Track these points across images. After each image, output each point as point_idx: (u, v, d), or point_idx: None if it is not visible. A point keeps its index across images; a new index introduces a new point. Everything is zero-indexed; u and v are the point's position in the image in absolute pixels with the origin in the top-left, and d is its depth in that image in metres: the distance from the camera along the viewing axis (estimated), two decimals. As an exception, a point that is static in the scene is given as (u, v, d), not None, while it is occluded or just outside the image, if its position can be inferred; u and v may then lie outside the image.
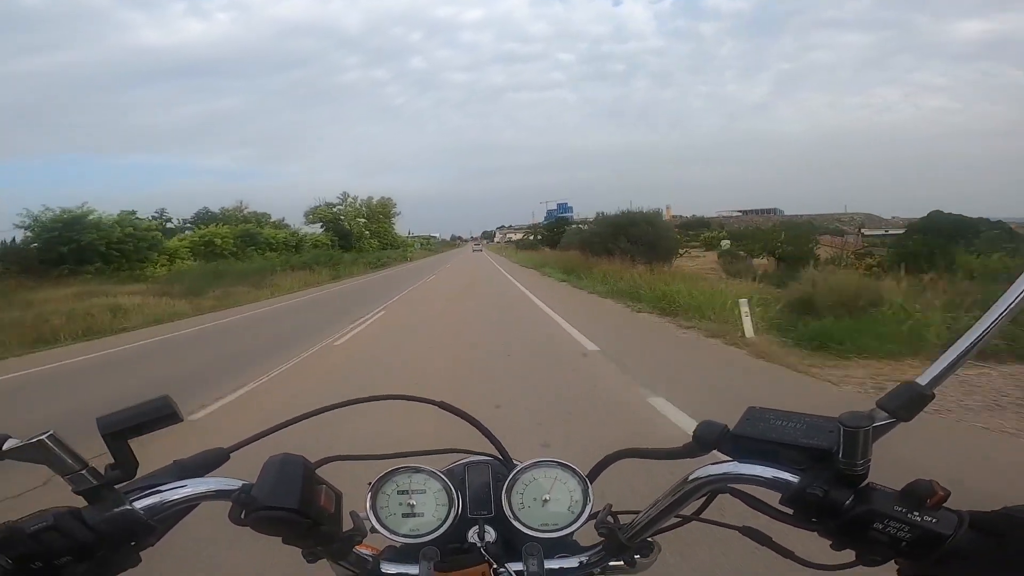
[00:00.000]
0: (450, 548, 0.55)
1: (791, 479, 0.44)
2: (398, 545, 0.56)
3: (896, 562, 0.42)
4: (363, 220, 65.58)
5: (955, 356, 0.42)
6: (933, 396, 0.42)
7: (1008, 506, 0.40)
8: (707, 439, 0.48)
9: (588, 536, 0.57)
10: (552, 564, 0.54)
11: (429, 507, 0.56)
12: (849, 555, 0.44)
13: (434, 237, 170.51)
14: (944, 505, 0.41)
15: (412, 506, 0.56)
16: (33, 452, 0.43)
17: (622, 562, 0.56)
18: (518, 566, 0.52)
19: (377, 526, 0.55)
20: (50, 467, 0.44)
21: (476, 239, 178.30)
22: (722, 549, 2.01)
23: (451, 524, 0.55)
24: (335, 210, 61.18)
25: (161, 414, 0.46)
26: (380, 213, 70.37)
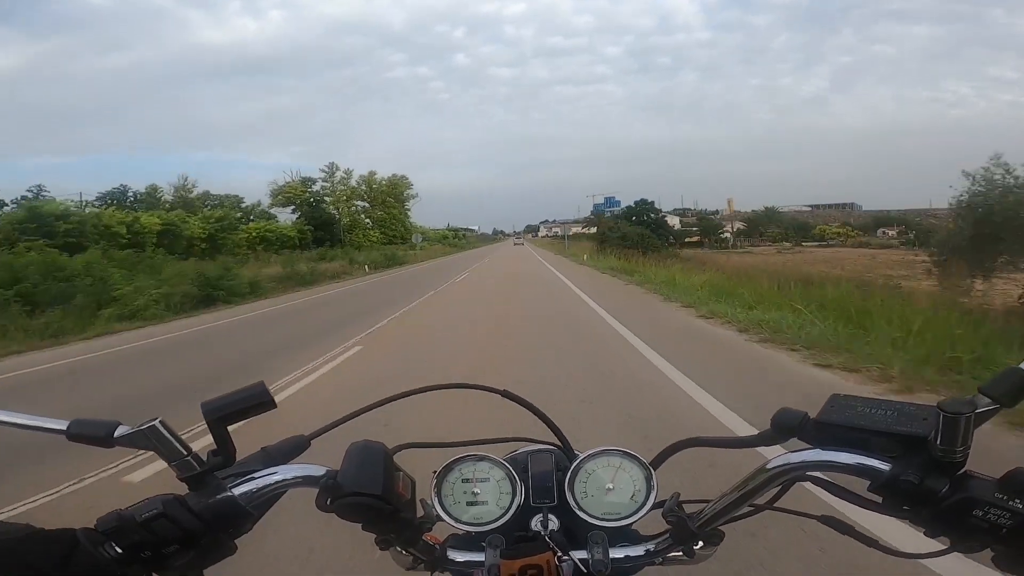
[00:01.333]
0: (514, 536, 0.55)
1: (881, 466, 0.42)
2: (461, 533, 0.57)
3: (992, 548, 0.41)
4: (363, 204, 53.57)
5: None
6: None
7: None
8: (786, 426, 0.47)
9: (649, 525, 0.57)
10: (616, 553, 0.54)
11: (492, 495, 0.57)
12: (940, 542, 0.43)
13: (471, 230, 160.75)
14: None
15: (476, 494, 0.57)
16: (143, 439, 0.45)
17: (681, 552, 0.55)
18: (582, 554, 0.52)
19: (442, 513, 0.56)
20: (158, 453, 0.45)
21: (518, 233, 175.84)
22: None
23: (514, 512, 0.56)
24: (315, 189, 48.12)
25: (259, 400, 0.47)
26: (388, 195, 55.19)
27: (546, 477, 0.58)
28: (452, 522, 0.56)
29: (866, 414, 0.44)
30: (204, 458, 0.47)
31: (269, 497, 0.49)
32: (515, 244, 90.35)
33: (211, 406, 0.47)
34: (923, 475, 0.40)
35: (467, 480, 0.57)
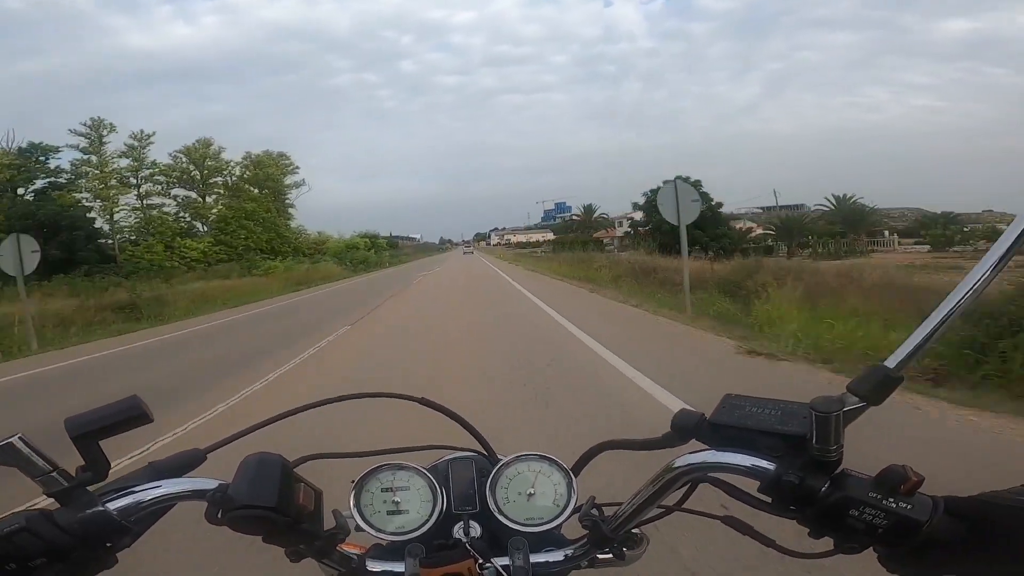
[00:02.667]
0: (436, 544, 0.55)
1: (768, 467, 0.44)
2: (384, 543, 0.56)
3: (874, 549, 0.42)
4: (183, 195, 34.02)
5: (921, 338, 0.41)
6: (902, 379, 0.42)
7: (984, 491, 0.40)
8: (685, 427, 0.48)
9: (575, 529, 0.57)
10: (538, 558, 0.54)
11: (414, 504, 0.56)
12: (828, 543, 0.44)
13: (410, 238, 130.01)
14: (919, 491, 0.41)
15: (397, 503, 0.56)
16: (2, 456, 0.43)
17: (611, 554, 0.56)
18: (504, 560, 0.52)
19: (362, 523, 0.55)
20: (19, 470, 0.43)
21: (467, 242, 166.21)
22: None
23: (436, 520, 0.55)
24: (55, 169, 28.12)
25: (131, 415, 0.46)
26: (251, 181, 36.75)
27: (468, 484, 0.58)
28: (372, 532, 0.55)
29: (753, 414, 0.46)
30: (74, 474, 0.46)
31: (153, 511, 0.47)
32: (464, 253, 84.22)
33: (76, 422, 0.45)
34: (803, 474, 0.42)
35: (387, 489, 0.56)
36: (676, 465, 0.48)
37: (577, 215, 71.05)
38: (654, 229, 29.66)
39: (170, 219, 33.58)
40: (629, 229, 42.88)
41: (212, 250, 32.96)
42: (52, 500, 0.45)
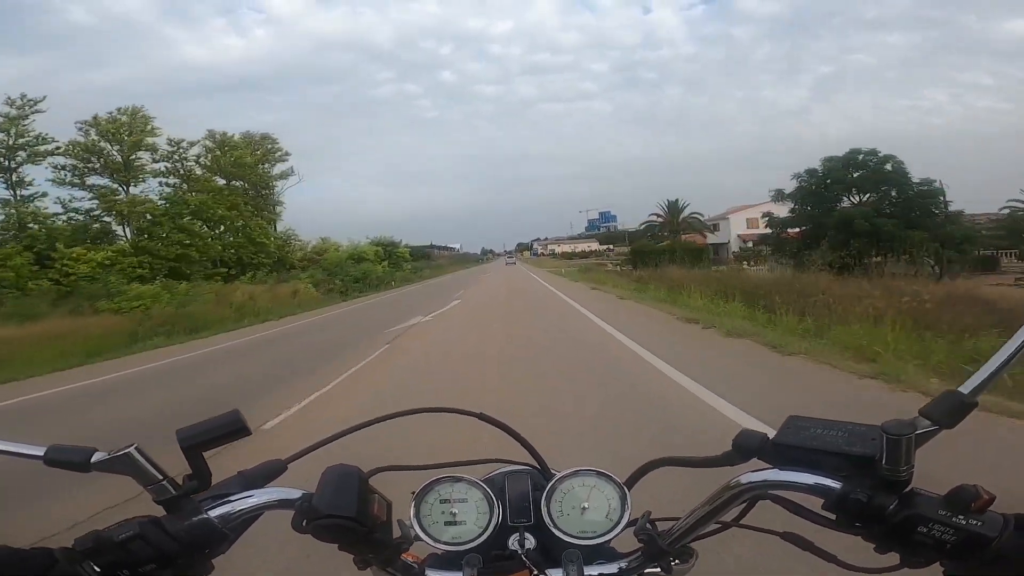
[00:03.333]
0: (492, 555, 0.56)
1: (833, 485, 0.44)
2: (440, 552, 0.58)
3: (941, 564, 0.43)
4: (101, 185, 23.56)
5: (998, 364, 0.42)
6: (976, 404, 0.42)
7: None
8: (747, 447, 0.49)
9: (627, 543, 0.58)
10: (591, 571, 0.55)
11: (471, 516, 0.58)
12: (893, 558, 0.44)
13: (450, 248, 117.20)
14: (990, 508, 0.41)
15: (454, 515, 0.58)
16: (119, 464, 0.47)
17: (659, 568, 0.56)
18: (558, 572, 0.53)
19: (420, 534, 0.57)
20: (134, 478, 0.47)
21: (509, 252, 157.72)
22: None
23: (492, 532, 0.57)
24: None
25: (233, 428, 0.49)
26: (212, 169, 28.16)
27: (523, 497, 0.60)
28: (431, 542, 0.57)
29: (819, 435, 0.46)
30: (180, 482, 0.49)
31: (246, 519, 0.50)
32: (507, 263, 76.46)
33: (185, 434, 0.49)
34: (872, 493, 0.42)
35: (445, 501, 0.58)
36: (739, 483, 0.49)
37: (660, 216, 47.26)
38: (814, 229, 18.77)
39: (62, 219, 23.08)
40: (763, 231, 28.48)
41: (125, 262, 22.00)
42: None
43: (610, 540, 0.57)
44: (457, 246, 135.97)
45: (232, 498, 0.50)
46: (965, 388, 0.42)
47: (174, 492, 0.48)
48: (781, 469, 0.47)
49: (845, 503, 0.43)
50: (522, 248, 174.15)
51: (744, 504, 0.52)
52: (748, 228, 42.60)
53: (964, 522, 0.40)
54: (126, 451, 0.47)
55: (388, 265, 37.96)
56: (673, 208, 45.12)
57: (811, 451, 0.46)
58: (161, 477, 0.48)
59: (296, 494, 0.51)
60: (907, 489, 0.43)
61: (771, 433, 0.49)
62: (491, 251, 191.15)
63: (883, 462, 0.42)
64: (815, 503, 0.46)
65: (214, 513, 0.49)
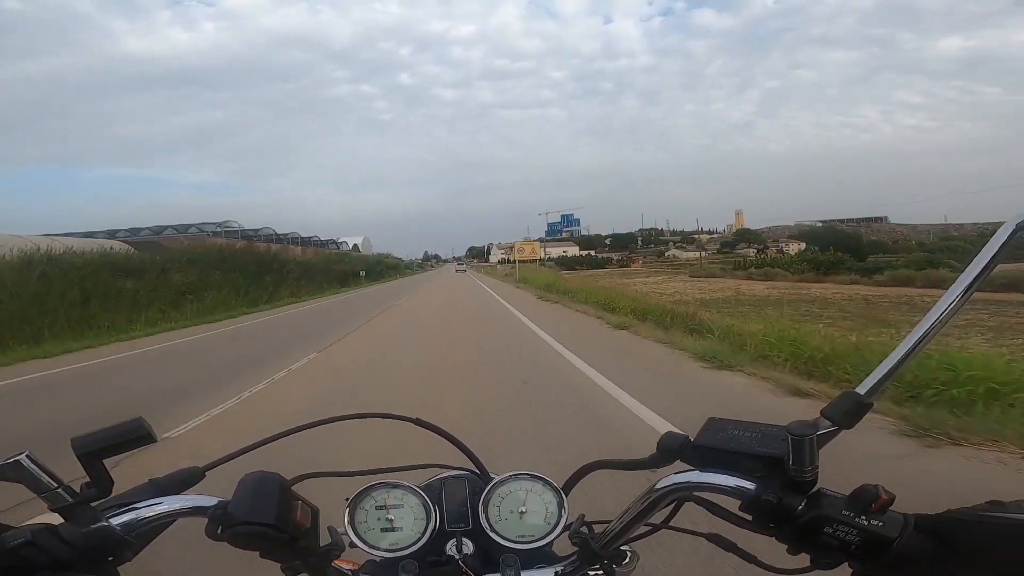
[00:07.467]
0: (429, 561, 0.56)
1: (748, 486, 0.46)
2: (377, 559, 0.57)
3: (849, 565, 0.44)
4: None
5: (892, 365, 0.44)
6: (871, 404, 0.44)
7: (951, 508, 0.42)
8: (670, 449, 0.50)
9: (566, 546, 0.58)
10: (529, 575, 0.55)
11: (407, 521, 0.57)
12: (805, 559, 0.46)
13: (337, 245, 72.31)
14: (890, 508, 0.43)
15: (391, 521, 0.57)
16: (9, 471, 0.45)
17: (601, 571, 0.57)
18: None
19: (356, 540, 0.56)
20: (26, 486, 0.45)
21: (459, 258, 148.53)
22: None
23: (429, 538, 0.56)
24: None
25: (135, 435, 0.48)
26: None
27: (460, 502, 0.59)
28: (367, 548, 0.56)
29: (735, 436, 0.48)
30: (78, 490, 0.47)
31: (155, 527, 0.49)
32: (457, 271, 68.92)
33: (82, 441, 0.47)
34: (782, 494, 0.44)
35: (381, 507, 0.57)
36: (662, 485, 0.50)
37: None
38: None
39: None
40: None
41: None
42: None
43: (548, 544, 0.58)
44: (353, 242, 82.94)
45: (138, 505, 0.49)
46: (861, 389, 0.44)
47: (70, 500, 0.46)
48: (702, 471, 0.48)
49: (758, 504, 0.45)
50: (474, 254, 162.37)
51: (672, 505, 0.53)
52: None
53: (866, 522, 0.42)
54: (15, 459, 0.45)
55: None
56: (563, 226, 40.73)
57: (729, 452, 0.47)
58: (55, 485, 0.46)
59: (211, 501, 0.50)
60: (814, 489, 0.44)
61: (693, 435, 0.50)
62: (435, 256, 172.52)
63: (790, 462, 0.44)
64: (735, 504, 0.47)
65: (117, 521, 0.47)
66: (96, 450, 0.47)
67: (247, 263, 26.17)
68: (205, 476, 0.54)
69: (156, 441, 0.48)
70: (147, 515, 0.48)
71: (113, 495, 0.49)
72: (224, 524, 0.47)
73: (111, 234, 41.17)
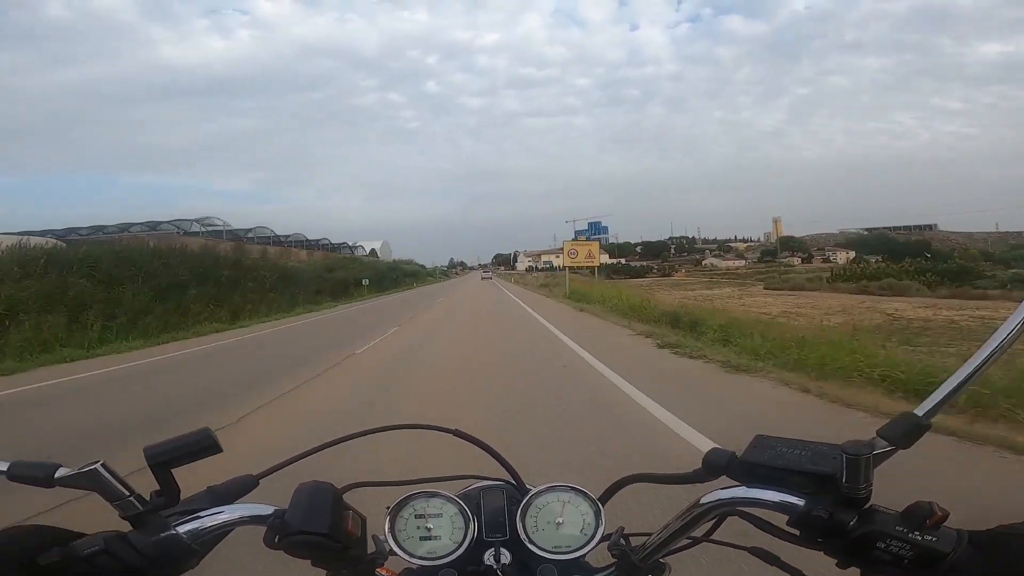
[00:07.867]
0: (468, 571, 0.56)
1: (797, 502, 0.46)
2: (415, 567, 0.58)
3: None
4: None
5: (952, 387, 0.44)
6: (929, 426, 0.44)
7: (1003, 524, 0.42)
8: (716, 465, 0.50)
9: (601, 558, 0.59)
10: None
11: (446, 531, 0.58)
12: (854, 572, 0.46)
13: (353, 248, 77.95)
14: (944, 524, 0.42)
15: (429, 529, 0.58)
16: (84, 480, 0.46)
17: None
18: None
19: (396, 548, 0.57)
20: (100, 494, 0.46)
21: (484, 266, 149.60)
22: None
23: (467, 547, 0.57)
24: None
25: (202, 445, 0.49)
26: None
27: (498, 512, 0.60)
28: (406, 556, 0.57)
29: (784, 454, 0.48)
30: (148, 498, 0.49)
31: (216, 535, 0.50)
32: (482, 278, 68.41)
33: (154, 450, 0.48)
34: (833, 510, 0.44)
35: (420, 516, 0.58)
36: (709, 500, 0.50)
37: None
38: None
39: None
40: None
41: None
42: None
43: (584, 555, 0.58)
44: (371, 247, 78.75)
45: (201, 514, 0.50)
46: (920, 410, 0.44)
47: (141, 508, 0.48)
48: (748, 487, 0.49)
49: (808, 519, 0.45)
50: (500, 261, 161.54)
51: (714, 520, 0.53)
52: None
53: (920, 538, 0.42)
54: (91, 467, 0.46)
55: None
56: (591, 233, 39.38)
57: (777, 469, 0.47)
58: (128, 493, 0.47)
59: (268, 510, 0.51)
60: (866, 506, 0.44)
61: (740, 451, 0.51)
62: (461, 263, 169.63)
63: (843, 480, 0.44)
64: (781, 519, 0.48)
65: (183, 529, 0.48)
66: (166, 460, 0.48)
67: (157, 269, 17.53)
68: (259, 484, 0.55)
69: (222, 451, 0.50)
70: (210, 524, 0.49)
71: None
72: (281, 533, 0.49)
73: (44, 233, 35.53)
